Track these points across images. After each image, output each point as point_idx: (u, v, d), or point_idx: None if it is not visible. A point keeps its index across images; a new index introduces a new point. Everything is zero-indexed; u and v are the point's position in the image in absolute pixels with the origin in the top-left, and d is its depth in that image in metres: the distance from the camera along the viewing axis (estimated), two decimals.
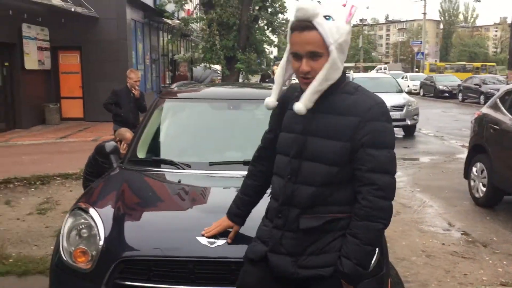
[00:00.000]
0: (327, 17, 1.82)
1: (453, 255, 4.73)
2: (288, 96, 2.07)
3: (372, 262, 2.45)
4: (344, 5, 1.91)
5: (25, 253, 4.55)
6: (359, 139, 1.86)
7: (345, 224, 1.91)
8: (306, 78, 1.87)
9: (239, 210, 2.24)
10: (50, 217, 5.71)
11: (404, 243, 5.03)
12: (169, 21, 18.69)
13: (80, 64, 15.35)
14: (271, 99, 2.01)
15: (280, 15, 14.70)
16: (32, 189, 6.98)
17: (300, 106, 1.86)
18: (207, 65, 14.61)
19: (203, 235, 2.29)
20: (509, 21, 21.35)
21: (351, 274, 1.86)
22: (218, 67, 17.43)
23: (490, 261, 4.60)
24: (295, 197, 1.92)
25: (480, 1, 22.94)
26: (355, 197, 1.90)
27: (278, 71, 2.00)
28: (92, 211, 2.57)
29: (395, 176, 1.90)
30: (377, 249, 2.48)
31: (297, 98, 1.93)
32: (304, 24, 1.82)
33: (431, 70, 40.08)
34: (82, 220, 2.56)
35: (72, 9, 13.06)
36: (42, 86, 14.59)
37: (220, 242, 2.29)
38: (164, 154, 3.46)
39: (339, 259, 1.87)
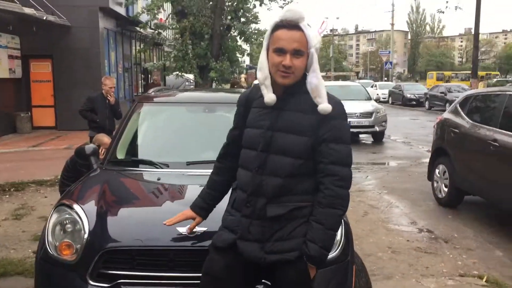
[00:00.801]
0: (308, 25, 2.09)
1: (417, 251, 5.02)
2: (252, 96, 2.27)
3: (337, 250, 2.69)
4: (323, 22, 2.22)
5: (3, 256, 4.61)
6: (321, 135, 2.08)
7: (307, 212, 2.11)
8: (286, 73, 2.07)
9: (205, 204, 2.41)
10: (26, 222, 5.77)
11: (371, 240, 5.30)
12: (142, 31, 18.77)
13: (51, 73, 15.29)
14: (272, 95, 2.12)
15: (252, 25, 14.96)
16: (7, 196, 7.00)
17: (328, 106, 2.06)
18: (179, 73, 14.72)
19: (165, 224, 2.41)
20: (473, 32, 22.11)
21: (317, 256, 2.07)
22: (191, 76, 17.58)
23: (451, 255, 4.90)
24: (263, 188, 2.11)
25: (443, 12, 23.57)
26: (317, 187, 2.12)
27: (263, 67, 2.13)
28: (76, 206, 2.72)
29: (350, 168, 2.14)
30: (341, 238, 2.72)
31: (262, 97, 2.14)
32: (292, 24, 2.05)
33: (438, 79, 40.02)
34: (67, 216, 2.70)
35: (44, 18, 13.04)
36: (13, 94, 14.46)
37: (198, 231, 2.48)
38: (143, 155, 3.63)
39: (305, 243, 2.07)
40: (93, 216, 2.65)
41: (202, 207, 2.43)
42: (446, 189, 6.62)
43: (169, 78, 19.01)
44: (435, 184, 6.97)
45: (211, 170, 2.49)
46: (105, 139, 4.70)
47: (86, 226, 2.59)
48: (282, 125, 2.12)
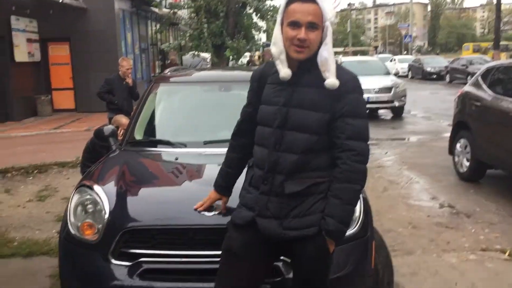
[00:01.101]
0: None
1: (438, 226, 4.98)
2: (266, 72, 2.23)
3: (356, 226, 2.68)
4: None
5: (28, 236, 4.73)
6: (338, 110, 2.06)
7: (324, 188, 2.10)
8: (301, 47, 2.03)
9: (223, 182, 2.44)
10: (50, 203, 5.89)
11: (391, 216, 5.28)
12: (157, 10, 18.69)
13: (70, 55, 15.39)
14: (287, 70, 2.09)
15: (268, 2, 14.76)
16: (30, 178, 7.14)
17: (335, 82, 2.01)
18: (195, 53, 14.66)
19: (196, 209, 2.47)
20: (495, 2, 21.55)
21: (335, 231, 2.06)
22: (207, 55, 17.51)
23: (473, 230, 4.86)
24: (280, 165, 2.10)
25: None
26: (333, 162, 2.10)
27: (277, 41, 2.10)
28: (96, 187, 2.75)
29: (368, 142, 2.11)
30: (360, 214, 2.71)
31: (276, 73, 2.11)
32: None
33: (475, 51, 39.55)
34: (88, 196, 2.74)
35: (60, 0, 13.07)
36: (32, 78, 14.63)
37: (216, 211, 2.49)
38: (160, 135, 3.65)
39: (323, 218, 2.07)
40: (113, 197, 2.69)
41: (222, 185, 2.45)
42: (467, 164, 6.53)
43: (185, 58, 18.97)
44: (456, 159, 6.88)
45: (227, 149, 2.49)
46: (123, 120, 4.74)
47: (107, 206, 2.63)
48: (297, 101, 2.10)
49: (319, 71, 2.06)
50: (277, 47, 2.10)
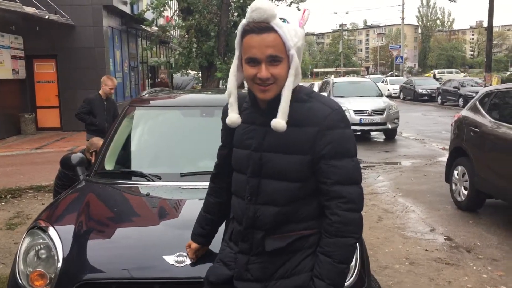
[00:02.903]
0: (283, 20, 1.69)
1: (437, 262, 4.62)
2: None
3: (352, 277, 2.32)
4: (304, 11, 1.77)
5: None
6: (319, 151, 1.71)
7: (314, 241, 1.77)
8: (265, 85, 1.68)
9: (203, 230, 2.09)
10: (20, 232, 5.45)
11: (387, 250, 4.92)
12: (148, 28, 18.46)
13: (56, 73, 15.05)
14: (235, 116, 1.77)
15: None
16: (3, 203, 6.71)
17: (281, 123, 1.66)
18: (184, 71, 14.38)
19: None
20: (485, 25, 21.60)
21: None
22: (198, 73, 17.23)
23: (474, 267, 4.50)
24: (258, 219, 1.77)
25: (456, 1, 23.07)
26: (322, 211, 1.76)
27: (231, 81, 1.78)
28: (51, 230, 2.38)
29: (361, 185, 1.76)
30: (356, 263, 2.35)
31: (247, 110, 1.80)
32: (262, 26, 1.64)
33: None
34: (40, 240, 2.36)
35: (46, 17, 12.76)
36: (16, 95, 14.24)
37: (189, 261, 2.12)
38: (133, 165, 3.28)
39: (312, 280, 1.73)
40: (69, 241, 2.31)
41: (201, 233, 2.10)
42: (465, 192, 6.20)
43: (176, 76, 18.71)
44: (453, 187, 6.56)
45: (206, 183, 2.15)
46: (99, 143, 4.36)
47: (60, 253, 2.25)
48: (271, 143, 1.75)
49: (295, 106, 1.71)
50: (229, 86, 1.77)
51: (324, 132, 1.70)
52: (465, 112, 6.67)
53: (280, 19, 1.67)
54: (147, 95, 3.91)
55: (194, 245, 2.11)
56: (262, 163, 1.75)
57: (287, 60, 1.68)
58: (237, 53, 1.75)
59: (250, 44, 1.67)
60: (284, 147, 1.72)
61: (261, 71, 1.66)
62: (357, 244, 2.32)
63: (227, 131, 1.93)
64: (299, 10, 14.35)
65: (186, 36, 14.29)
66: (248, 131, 1.79)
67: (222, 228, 2.11)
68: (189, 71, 14.84)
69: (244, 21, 1.68)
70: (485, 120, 6.00)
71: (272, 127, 1.68)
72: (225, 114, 1.89)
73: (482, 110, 6.20)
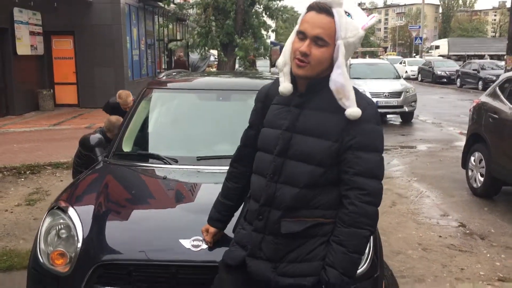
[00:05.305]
0: (347, 13, 1.74)
1: (450, 248, 4.63)
2: (273, 90, 1.94)
3: (365, 264, 2.35)
4: (373, 17, 1.82)
5: (11, 247, 4.43)
6: (348, 140, 1.75)
7: (328, 230, 1.79)
8: (301, 61, 1.74)
9: (220, 215, 2.13)
10: (39, 208, 5.58)
11: (400, 236, 4.93)
12: (165, 6, 18.39)
13: (73, 50, 15.10)
14: (289, 85, 1.82)
15: (277, 1, 14.37)
16: (22, 179, 6.84)
17: (357, 111, 1.73)
18: (203, 52, 14.31)
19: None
20: (508, 5, 21.18)
21: (336, 284, 1.75)
22: (214, 52, 17.13)
23: (488, 255, 4.50)
24: (277, 198, 1.81)
25: None
26: (340, 201, 1.78)
27: (285, 51, 1.83)
28: (71, 210, 2.44)
29: (382, 181, 1.79)
30: (369, 250, 2.38)
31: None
32: (324, 7, 1.72)
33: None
34: (61, 220, 2.43)
35: None
36: (35, 72, 14.36)
37: (205, 245, 2.17)
38: (150, 148, 3.32)
39: (324, 268, 1.76)
40: (89, 222, 2.37)
41: (217, 219, 2.14)
42: (481, 179, 6.16)
43: (192, 54, 18.63)
44: (469, 173, 6.51)
45: (223, 167, 2.18)
46: (118, 122, 4.37)
47: (80, 234, 2.31)
48: (303, 126, 1.79)
49: (331, 95, 1.75)
50: (283, 58, 1.84)
51: (358, 123, 1.74)
52: (484, 98, 6.57)
53: (345, 12, 1.73)
54: (164, 77, 3.93)
55: (212, 229, 2.14)
56: (291, 144, 1.79)
57: (332, 47, 1.73)
58: (297, 27, 1.80)
59: (306, 19, 1.75)
60: (316, 131, 1.77)
61: (303, 45, 1.73)
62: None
63: (258, 112, 1.98)
64: None
65: (203, 14, 14.21)
66: (282, 112, 1.84)
67: (237, 213, 2.14)
68: (208, 50, 14.77)
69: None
70: (505, 106, 5.91)
71: (348, 116, 1.73)
72: (261, 95, 1.98)
73: (502, 96, 6.10)
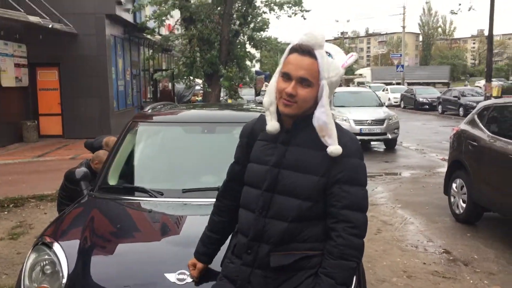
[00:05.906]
0: (328, 53, 1.83)
1: (434, 275, 4.68)
2: (258, 127, 2.01)
3: None
4: (352, 56, 1.91)
5: None
6: (335, 175, 1.82)
7: (316, 262, 1.84)
8: (289, 101, 1.82)
9: (206, 249, 2.16)
10: (22, 242, 5.52)
11: (385, 263, 4.97)
12: (150, 37, 18.59)
13: (58, 81, 15.14)
14: (276, 123, 1.89)
15: (261, 32, 14.65)
16: (5, 212, 6.77)
17: (338, 148, 1.79)
18: (187, 82, 14.45)
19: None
20: (486, 33, 21.78)
21: None
22: (199, 81, 17.29)
23: (471, 281, 4.56)
24: (266, 233, 1.86)
25: (456, 13, 23.22)
26: (327, 234, 1.84)
27: (271, 91, 1.90)
28: (56, 246, 2.44)
29: (366, 214, 1.86)
30: (354, 281, 2.41)
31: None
32: (307, 49, 1.80)
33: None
34: (46, 256, 2.43)
35: (50, 26, 12.87)
36: (19, 103, 14.32)
37: (189, 279, 2.19)
38: (136, 181, 3.35)
39: None
40: (74, 257, 2.37)
41: (204, 252, 2.17)
42: (463, 205, 6.26)
43: (178, 84, 18.78)
44: (452, 199, 6.62)
45: (208, 199, 2.22)
46: (105, 156, 4.40)
47: (65, 269, 2.32)
48: (290, 162, 1.86)
49: (315, 132, 1.83)
50: (268, 97, 1.90)
51: (342, 159, 1.81)
52: (463, 126, 6.74)
53: (326, 52, 1.82)
54: (150, 111, 3.99)
55: (199, 265, 2.16)
56: (278, 179, 1.85)
57: (317, 87, 1.81)
58: (280, 67, 1.87)
59: (290, 61, 1.82)
60: (303, 167, 1.83)
61: (289, 87, 1.80)
62: None
63: (244, 147, 2.04)
64: (304, 19, 14.46)
65: (188, 45, 14.41)
66: (268, 148, 1.91)
67: (223, 247, 2.17)
68: (193, 79, 14.91)
69: (294, 41, 1.83)
70: (483, 134, 6.07)
71: (330, 154, 1.80)
72: (246, 131, 2.04)
73: (480, 124, 6.27)
